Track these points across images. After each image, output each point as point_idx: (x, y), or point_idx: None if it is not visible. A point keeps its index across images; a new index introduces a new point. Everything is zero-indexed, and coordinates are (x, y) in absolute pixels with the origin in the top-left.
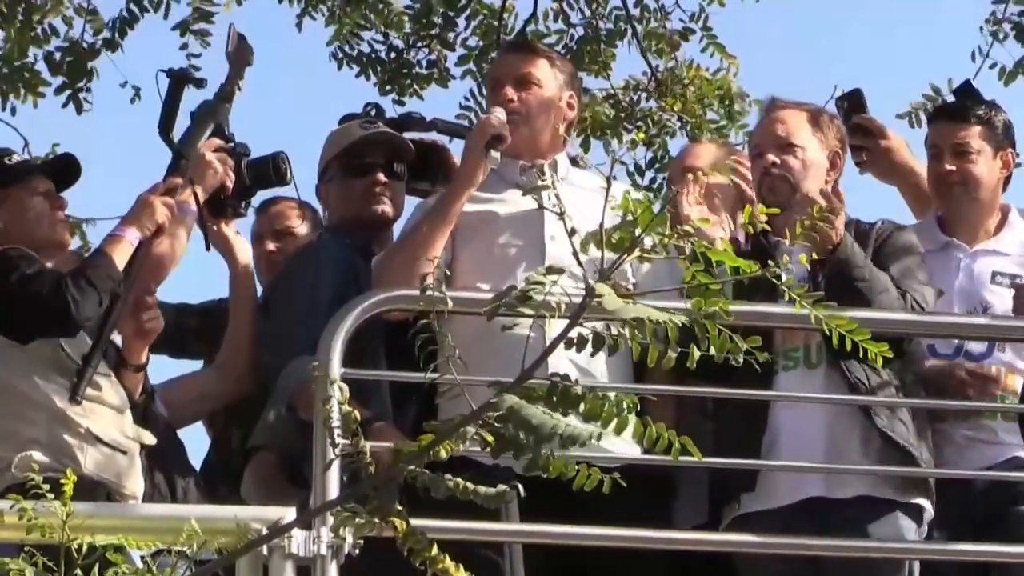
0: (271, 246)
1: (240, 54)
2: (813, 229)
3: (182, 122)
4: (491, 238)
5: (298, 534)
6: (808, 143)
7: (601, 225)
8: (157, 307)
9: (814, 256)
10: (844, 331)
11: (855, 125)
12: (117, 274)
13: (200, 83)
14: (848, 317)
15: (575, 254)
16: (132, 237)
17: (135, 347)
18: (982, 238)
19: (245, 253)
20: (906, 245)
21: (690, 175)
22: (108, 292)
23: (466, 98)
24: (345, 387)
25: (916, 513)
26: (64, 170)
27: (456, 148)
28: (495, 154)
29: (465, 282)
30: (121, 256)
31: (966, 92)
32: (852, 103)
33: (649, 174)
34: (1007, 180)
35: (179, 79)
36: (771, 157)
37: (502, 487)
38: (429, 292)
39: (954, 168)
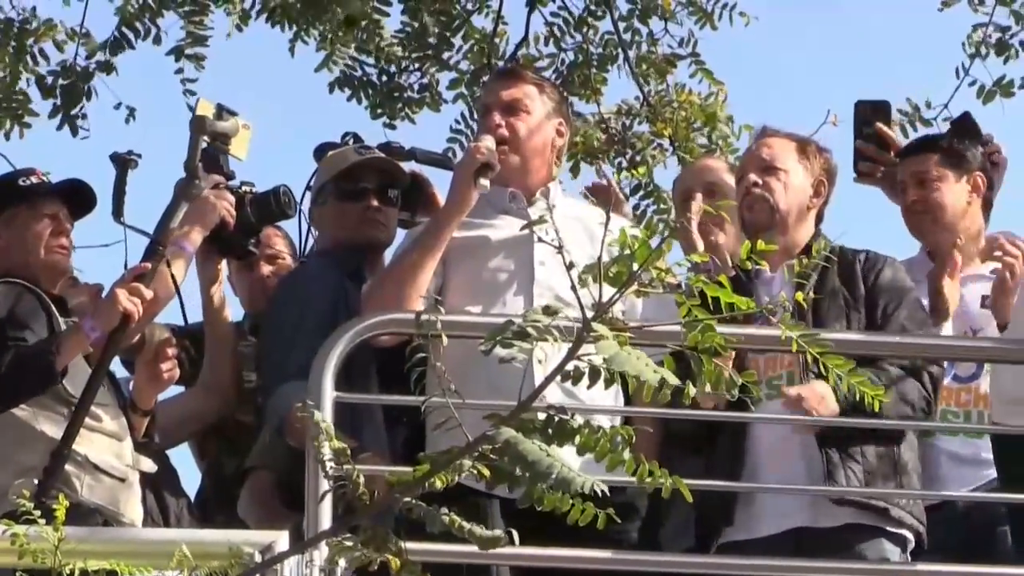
0: (266, 270)
1: (196, 126)
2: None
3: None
4: (481, 263)
5: (291, 558)
6: (792, 168)
7: (599, 259)
8: (176, 358)
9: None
10: (841, 373)
11: (876, 133)
12: (52, 371)
13: (136, 164)
14: (831, 340)
15: (573, 288)
16: (90, 329)
17: (147, 393)
18: (968, 264)
19: (215, 282)
20: (898, 284)
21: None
22: (39, 386)
23: (457, 122)
24: (331, 427)
25: (900, 542)
26: (80, 195)
27: (436, 178)
28: (484, 182)
29: (455, 306)
30: (72, 350)
31: (963, 125)
32: (877, 112)
33: (633, 200)
34: (988, 205)
35: (123, 162)
36: (753, 177)
37: (498, 532)
38: (423, 317)
39: (916, 198)
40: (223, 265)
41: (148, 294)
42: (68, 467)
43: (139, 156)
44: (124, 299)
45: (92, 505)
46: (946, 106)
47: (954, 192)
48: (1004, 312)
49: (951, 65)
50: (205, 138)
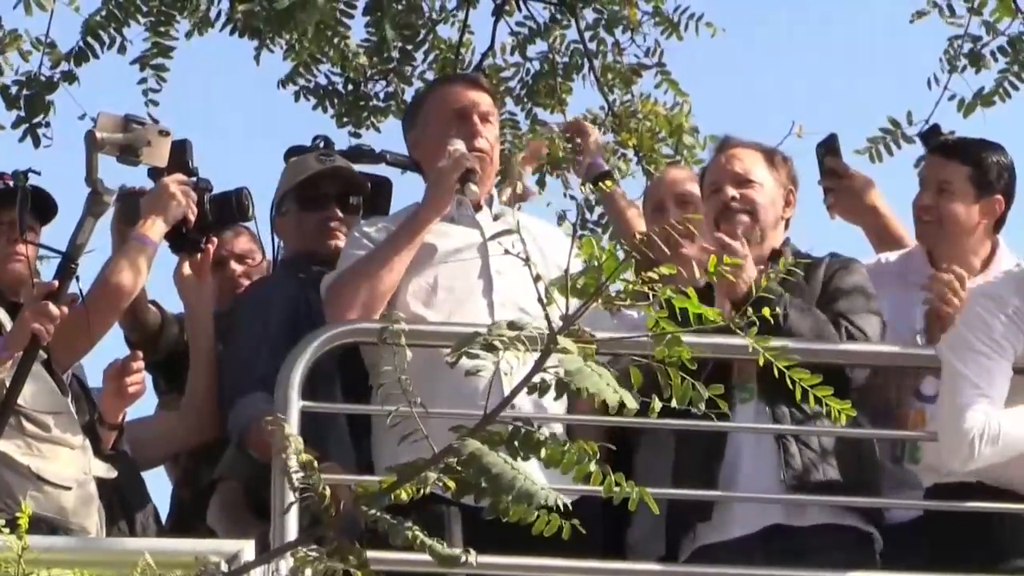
0: (237, 268)
1: (89, 142)
2: (719, 278)
3: None
4: (433, 270)
5: (257, 568)
6: (765, 180)
7: (567, 271)
8: (143, 371)
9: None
10: (807, 386)
11: (829, 169)
12: None
13: (26, 180)
14: (792, 348)
15: (540, 301)
16: (1, 349)
17: (114, 407)
18: (969, 275)
19: (204, 301)
20: (854, 285)
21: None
22: None
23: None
24: (299, 439)
25: (869, 541)
26: (41, 202)
27: (404, 181)
28: (473, 188)
29: (411, 313)
30: None
31: (933, 136)
32: (827, 148)
33: (599, 210)
34: (1000, 222)
35: (24, 180)
36: (731, 191)
37: (458, 551)
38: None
39: (931, 204)
40: (199, 287)
41: (56, 312)
42: (11, 479)
43: (37, 173)
44: (31, 320)
45: (38, 515)
46: (927, 122)
47: (970, 210)
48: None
49: (930, 77)
50: (112, 151)
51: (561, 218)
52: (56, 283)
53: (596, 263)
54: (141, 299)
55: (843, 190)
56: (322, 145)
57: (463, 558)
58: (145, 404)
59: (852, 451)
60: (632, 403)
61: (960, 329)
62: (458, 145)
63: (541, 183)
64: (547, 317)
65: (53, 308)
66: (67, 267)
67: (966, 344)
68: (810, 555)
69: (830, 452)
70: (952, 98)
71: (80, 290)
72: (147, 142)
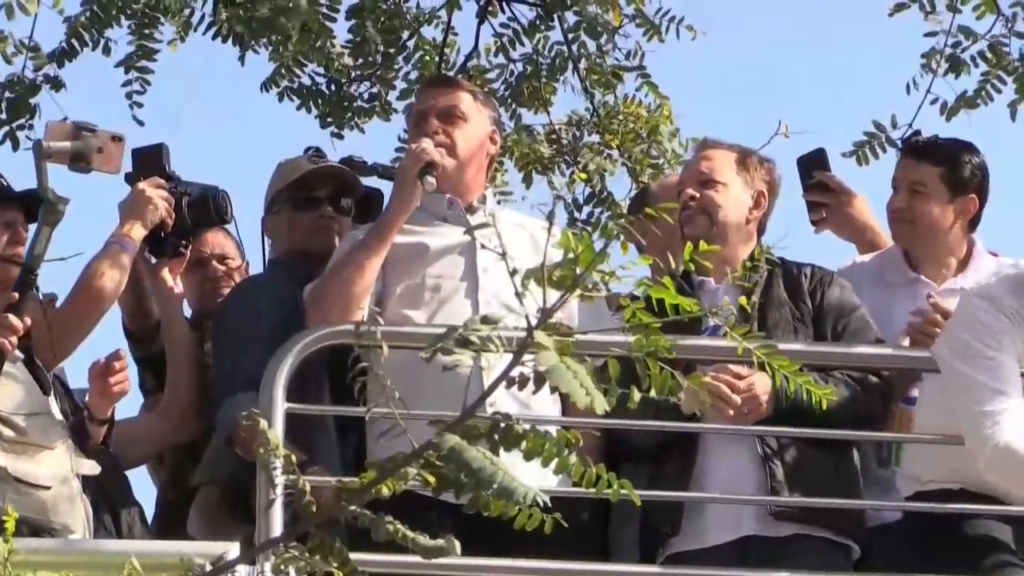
0: (219, 268)
1: (36, 151)
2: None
3: None
4: (422, 270)
5: (242, 569)
6: (731, 181)
7: (543, 264)
8: (126, 370)
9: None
10: (787, 373)
11: (816, 183)
12: None
13: None
14: (787, 350)
15: (518, 295)
16: None
17: (100, 406)
18: (947, 275)
19: (178, 301)
20: (846, 302)
21: None
22: None
23: (405, 131)
24: (276, 435)
25: (846, 552)
26: (38, 203)
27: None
28: (431, 179)
29: (397, 313)
30: None
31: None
32: (814, 161)
33: (587, 209)
34: (975, 221)
35: None
36: (690, 191)
37: (440, 541)
38: (363, 327)
39: (904, 206)
40: (175, 290)
41: (18, 324)
42: None
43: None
44: None
45: (19, 516)
46: (910, 125)
47: (944, 211)
48: None
49: (909, 82)
50: (62, 160)
51: (550, 215)
52: (16, 295)
53: (572, 255)
54: (147, 291)
55: (837, 206)
56: (314, 152)
57: (447, 550)
58: (132, 402)
59: (832, 462)
60: (602, 405)
61: (962, 335)
62: (422, 143)
63: (528, 181)
64: (523, 305)
65: (15, 320)
66: (26, 278)
67: (971, 349)
68: (784, 563)
69: (813, 474)
70: (935, 102)
71: (47, 295)
72: (98, 149)
